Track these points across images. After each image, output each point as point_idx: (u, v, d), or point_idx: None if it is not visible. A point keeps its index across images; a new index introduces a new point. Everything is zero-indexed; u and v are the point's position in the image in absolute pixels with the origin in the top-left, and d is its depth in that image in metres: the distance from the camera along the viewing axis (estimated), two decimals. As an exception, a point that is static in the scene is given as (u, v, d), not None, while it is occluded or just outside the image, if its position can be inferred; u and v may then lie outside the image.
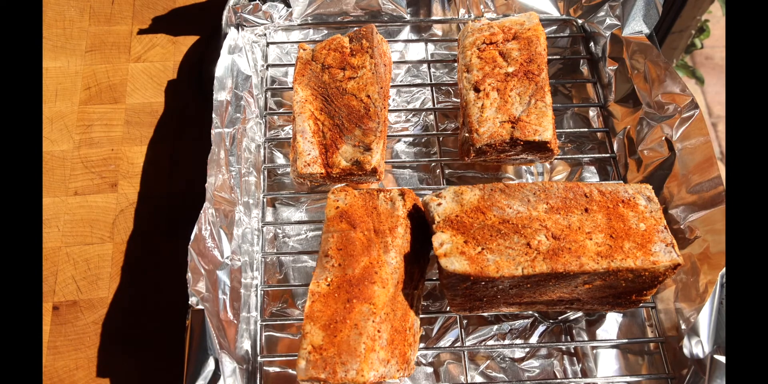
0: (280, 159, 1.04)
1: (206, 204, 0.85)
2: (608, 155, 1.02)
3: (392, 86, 1.06)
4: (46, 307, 0.92)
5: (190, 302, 0.77)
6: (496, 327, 0.90)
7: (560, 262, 0.71)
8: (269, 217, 0.99)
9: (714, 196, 0.84)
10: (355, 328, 0.72)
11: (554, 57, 1.11)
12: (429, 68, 1.10)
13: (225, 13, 1.04)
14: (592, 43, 1.11)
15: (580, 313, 0.91)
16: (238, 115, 0.97)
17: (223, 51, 1.00)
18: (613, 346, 0.89)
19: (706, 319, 0.77)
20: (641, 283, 0.75)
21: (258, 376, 0.84)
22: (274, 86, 1.09)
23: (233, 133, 0.94)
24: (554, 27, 1.15)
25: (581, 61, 1.12)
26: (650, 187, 0.77)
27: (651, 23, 1.03)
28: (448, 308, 0.86)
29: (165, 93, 1.13)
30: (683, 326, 0.83)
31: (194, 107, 1.11)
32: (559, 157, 1.01)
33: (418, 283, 0.82)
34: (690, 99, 0.92)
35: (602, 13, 1.09)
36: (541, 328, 0.91)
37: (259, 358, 0.85)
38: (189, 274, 0.78)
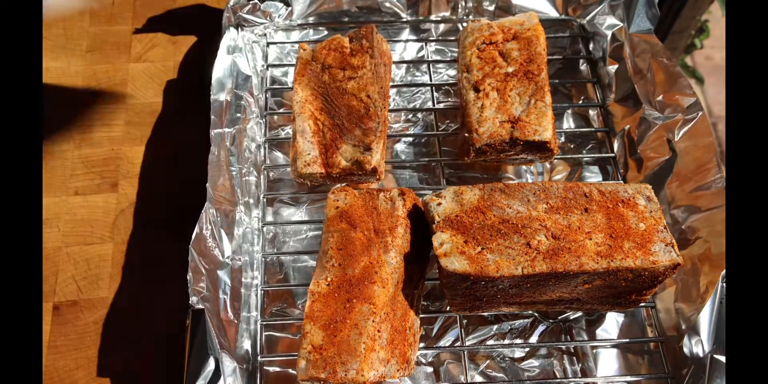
0: (280, 159, 1.04)
1: (207, 204, 0.85)
2: (608, 155, 1.02)
3: (392, 86, 1.06)
4: (46, 307, 0.92)
5: (190, 302, 0.77)
6: (496, 327, 0.90)
7: (560, 262, 0.71)
8: (269, 217, 0.99)
9: (715, 196, 0.84)
10: (355, 328, 0.72)
11: (554, 57, 1.11)
12: (429, 68, 1.10)
13: (225, 13, 1.04)
14: (592, 43, 1.11)
15: (580, 313, 0.91)
16: (239, 115, 0.97)
17: (223, 51, 1.00)
18: (613, 346, 0.89)
19: (706, 318, 0.77)
20: (641, 283, 0.75)
21: (258, 375, 0.84)
22: (274, 86, 1.09)
23: (233, 133, 0.95)
24: (554, 27, 1.15)
25: (581, 61, 1.12)
26: (650, 187, 0.77)
27: (652, 22, 1.03)
28: (448, 308, 0.86)
29: (165, 93, 1.13)
30: (683, 326, 0.83)
31: (194, 107, 1.11)
32: (559, 157, 1.01)
33: (418, 283, 0.82)
34: (694, 99, 0.91)
35: (602, 13, 1.09)
36: (541, 328, 0.91)
37: (259, 358, 0.85)
38: (190, 274, 0.78)
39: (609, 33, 1.06)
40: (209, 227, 0.84)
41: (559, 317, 0.91)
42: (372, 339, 0.72)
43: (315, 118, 0.92)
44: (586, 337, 0.90)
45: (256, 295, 0.90)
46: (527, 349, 0.89)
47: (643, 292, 0.77)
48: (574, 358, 0.89)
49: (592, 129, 1.06)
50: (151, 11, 1.22)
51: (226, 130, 0.94)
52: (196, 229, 0.82)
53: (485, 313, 0.89)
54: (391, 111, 1.05)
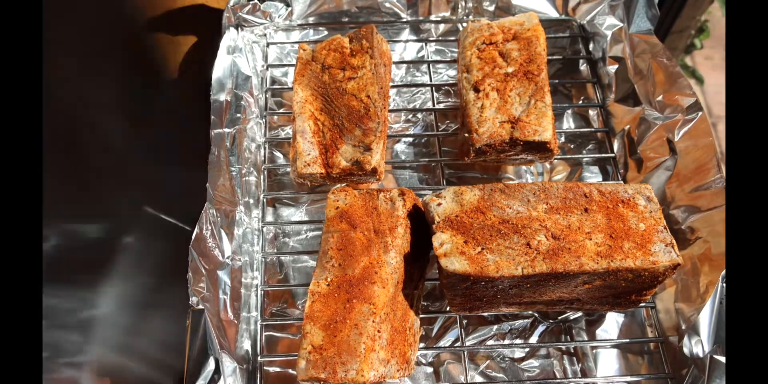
0: (280, 159, 1.04)
1: (207, 204, 0.85)
2: (608, 155, 1.02)
3: (392, 86, 1.06)
4: (46, 307, 0.92)
5: (190, 302, 0.77)
6: (496, 327, 0.90)
7: (560, 262, 0.71)
8: (269, 217, 0.99)
9: (715, 196, 0.84)
10: (355, 328, 0.72)
11: (554, 57, 1.11)
12: (429, 68, 1.10)
13: (225, 13, 1.04)
14: (591, 44, 1.11)
15: (580, 313, 0.91)
16: (239, 115, 0.97)
17: (223, 51, 1.00)
18: (613, 346, 0.90)
19: (706, 319, 0.77)
20: (641, 283, 0.75)
21: (258, 376, 0.84)
22: (274, 86, 1.09)
23: (233, 133, 0.95)
24: (554, 27, 1.15)
25: (581, 61, 1.12)
26: (650, 187, 0.77)
27: (652, 22, 1.03)
28: (448, 308, 0.86)
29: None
30: (683, 326, 0.83)
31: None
32: (559, 157, 1.01)
33: (418, 283, 0.82)
34: (694, 99, 0.91)
35: (602, 13, 1.09)
36: (541, 328, 0.91)
37: (259, 358, 0.85)
38: (189, 274, 0.78)
39: (609, 33, 1.06)
40: (209, 227, 0.84)
41: (559, 317, 0.91)
42: (372, 339, 0.72)
43: (315, 118, 0.92)
44: (586, 338, 0.90)
45: (256, 296, 0.90)
46: (527, 350, 0.89)
47: (643, 292, 0.77)
48: (574, 358, 0.89)
49: (592, 129, 1.06)
50: (151, 11, 1.22)
51: (226, 130, 0.94)
52: (196, 229, 0.82)
53: (485, 314, 0.89)
54: (391, 111, 1.05)
